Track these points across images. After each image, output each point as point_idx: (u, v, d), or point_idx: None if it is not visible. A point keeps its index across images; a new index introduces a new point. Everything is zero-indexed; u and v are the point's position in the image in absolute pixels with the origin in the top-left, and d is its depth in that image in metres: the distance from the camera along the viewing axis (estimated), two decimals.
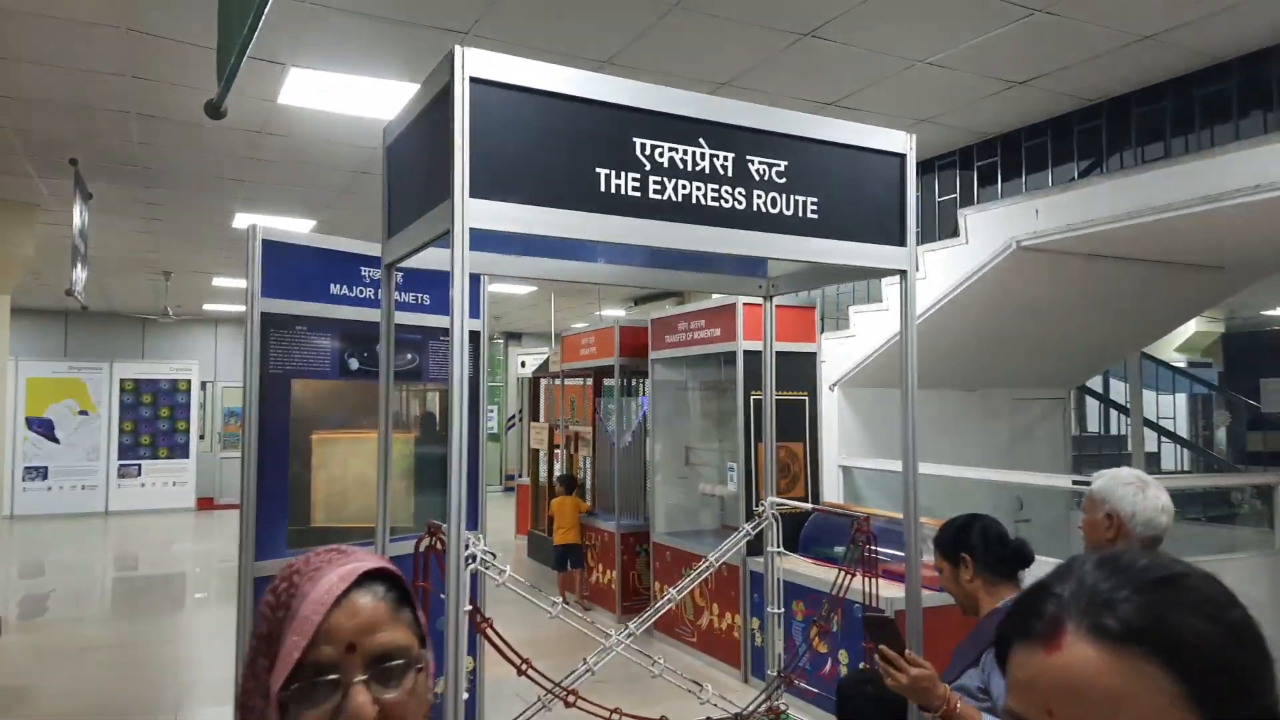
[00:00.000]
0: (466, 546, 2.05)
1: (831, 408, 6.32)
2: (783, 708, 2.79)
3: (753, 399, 6.15)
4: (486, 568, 2.05)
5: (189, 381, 14.12)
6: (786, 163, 2.36)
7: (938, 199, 5.83)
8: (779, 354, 6.20)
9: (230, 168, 5.70)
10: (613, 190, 2.09)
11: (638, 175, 2.13)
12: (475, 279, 4.95)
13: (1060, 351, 6.45)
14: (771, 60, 4.12)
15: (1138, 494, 2.26)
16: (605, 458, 8.17)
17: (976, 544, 2.19)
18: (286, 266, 4.05)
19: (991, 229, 5.01)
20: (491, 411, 17.00)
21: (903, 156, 2.57)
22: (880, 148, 2.54)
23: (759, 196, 2.31)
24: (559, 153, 2.03)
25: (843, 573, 2.65)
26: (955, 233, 5.23)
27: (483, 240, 2.53)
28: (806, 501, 6.26)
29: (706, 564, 2.67)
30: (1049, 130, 5.10)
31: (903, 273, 2.55)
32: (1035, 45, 4.02)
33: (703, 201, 2.22)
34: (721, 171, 2.25)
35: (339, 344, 4.26)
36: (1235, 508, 7.82)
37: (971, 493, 5.99)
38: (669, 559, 6.79)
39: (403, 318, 4.61)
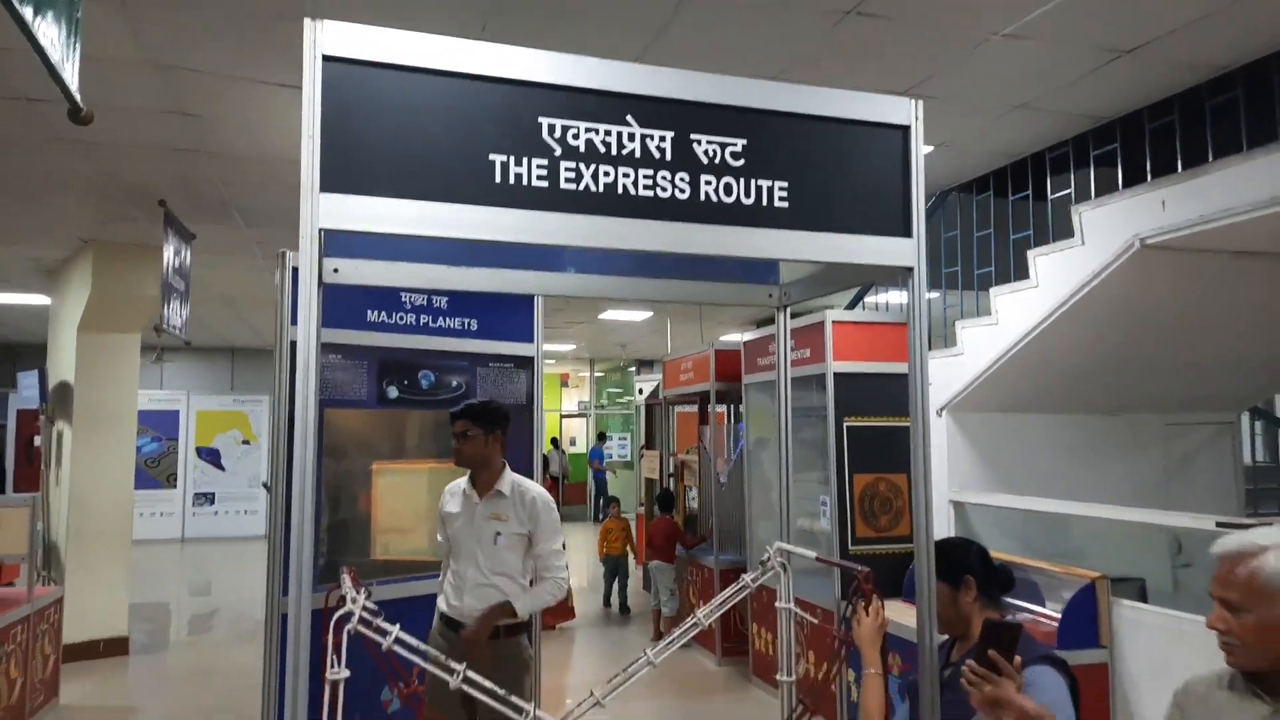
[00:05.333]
0: (343, 602, 1.78)
1: (940, 435, 5.65)
2: None
3: (846, 425, 5.62)
4: (368, 628, 1.77)
5: None
6: (745, 141, 1.97)
7: (1050, 197, 5.11)
8: (876, 375, 5.68)
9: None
10: (510, 180, 1.79)
11: (544, 161, 1.82)
12: (529, 300, 4.74)
13: (1220, 368, 5.48)
14: (816, 48, 3.69)
15: None
16: (711, 488, 7.78)
17: (975, 566, 2.17)
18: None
19: (1111, 226, 4.29)
20: (624, 439, 16.91)
21: (905, 129, 2.12)
22: (873, 119, 2.10)
23: (708, 183, 1.94)
24: (438, 138, 1.75)
25: (838, 635, 2.19)
26: (1071, 233, 4.54)
27: (407, 248, 2.29)
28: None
29: (691, 624, 2.26)
30: (1176, 107, 4.33)
31: (908, 270, 2.10)
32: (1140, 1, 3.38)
33: (631, 190, 1.87)
34: (657, 155, 1.90)
35: (376, 372, 4.16)
36: None
37: (1113, 533, 5.17)
38: (765, 600, 6.30)
39: (450, 343, 4.48)
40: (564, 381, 19.26)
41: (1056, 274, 4.60)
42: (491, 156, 1.78)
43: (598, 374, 19.51)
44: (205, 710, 5.74)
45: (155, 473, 13.92)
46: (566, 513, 12.80)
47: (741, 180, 1.97)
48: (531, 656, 3.36)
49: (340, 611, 1.73)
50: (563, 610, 7.61)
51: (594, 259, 2.47)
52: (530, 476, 4.69)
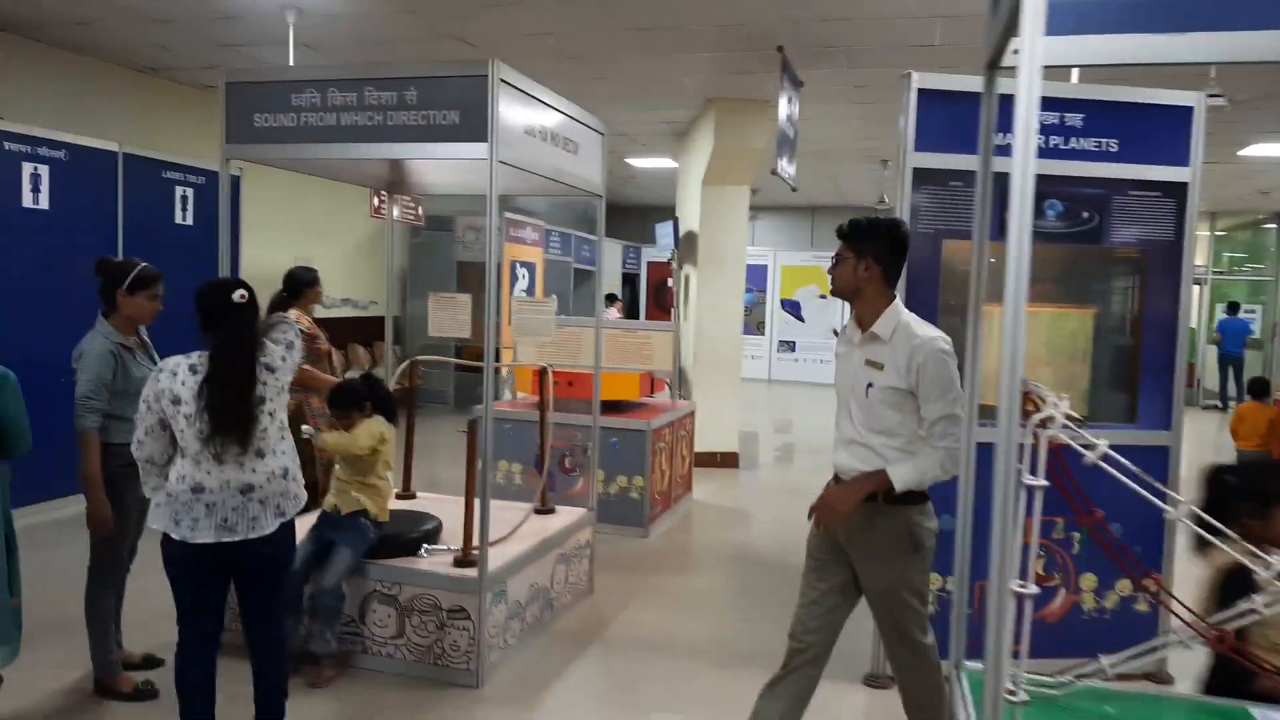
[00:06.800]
0: (1040, 406, 1.62)
1: None
2: None
3: None
4: (1071, 438, 1.58)
5: None
6: None
7: None
8: None
9: (915, 32, 5.56)
10: None
11: None
12: (1183, 114, 3.88)
13: None
14: None
15: None
16: None
17: None
18: (943, 117, 3.77)
19: None
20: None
21: None
22: None
23: None
24: None
25: None
26: None
27: (1101, 18, 1.87)
28: None
29: None
30: None
31: None
32: None
33: None
34: None
35: (999, 202, 3.82)
36: None
37: None
38: None
39: (1082, 168, 3.92)
40: None
41: None
42: None
43: (1218, 232, 16.13)
44: (801, 523, 6.37)
45: (749, 320, 15.67)
46: None
47: None
48: (930, 532, 2.62)
49: (1040, 415, 1.57)
50: None
51: None
52: (1173, 336, 3.96)
